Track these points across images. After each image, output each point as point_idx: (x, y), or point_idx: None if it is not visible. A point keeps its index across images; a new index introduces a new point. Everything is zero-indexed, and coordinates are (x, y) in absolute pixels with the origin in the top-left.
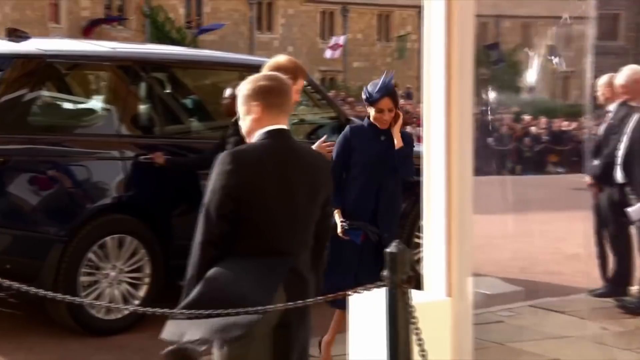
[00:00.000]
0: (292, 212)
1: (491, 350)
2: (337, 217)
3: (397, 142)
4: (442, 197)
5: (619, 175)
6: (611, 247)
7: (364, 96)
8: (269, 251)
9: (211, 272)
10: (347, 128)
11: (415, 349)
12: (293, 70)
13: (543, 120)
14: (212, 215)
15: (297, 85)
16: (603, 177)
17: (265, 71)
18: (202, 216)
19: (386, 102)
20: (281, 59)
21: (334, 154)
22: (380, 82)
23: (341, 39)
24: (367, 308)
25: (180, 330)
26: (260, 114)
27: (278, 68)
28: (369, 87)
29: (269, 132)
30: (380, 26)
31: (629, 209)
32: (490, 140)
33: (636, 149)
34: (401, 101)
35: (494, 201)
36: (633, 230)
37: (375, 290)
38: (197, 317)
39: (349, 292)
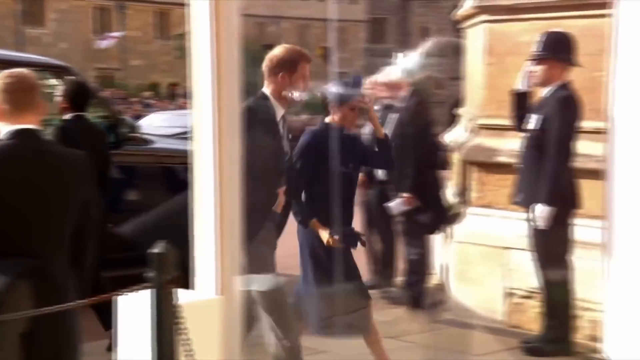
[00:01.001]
0: (39, 215)
1: (264, 347)
2: (319, 229)
3: (379, 132)
4: (212, 196)
5: (380, 173)
6: (379, 241)
7: (332, 97)
8: (12, 254)
9: None
10: (310, 133)
11: (181, 350)
12: (291, 61)
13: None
14: None
15: (300, 71)
16: (371, 175)
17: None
18: None
19: (359, 99)
20: (277, 50)
21: (296, 161)
22: (354, 79)
23: (115, 34)
24: (134, 310)
25: None
26: (3, 113)
27: (274, 59)
28: (336, 88)
29: (14, 132)
30: (158, 24)
31: (389, 204)
32: None
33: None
34: (181, 100)
35: None
36: (397, 225)
37: (142, 291)
38: None
39: (116, 293)
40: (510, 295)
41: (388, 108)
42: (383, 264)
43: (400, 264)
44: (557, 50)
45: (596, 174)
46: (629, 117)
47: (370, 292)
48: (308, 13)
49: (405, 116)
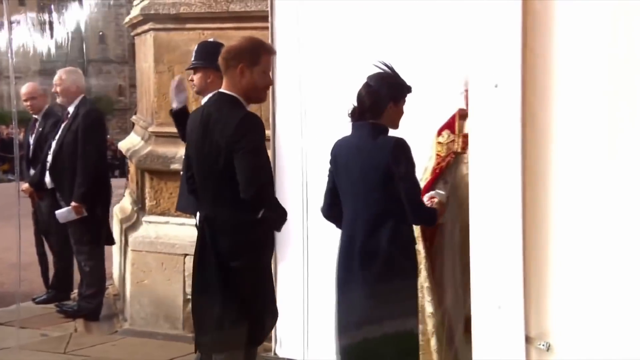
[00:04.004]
0: None
1: None
2: None
3: None
4: None
5: (48, 181)
6: (52, 253)
7: (394, 90)
8: None
9: None
10: (398, 139)
11: None
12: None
13: None
14: None
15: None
16: (40, 184)
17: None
18: None
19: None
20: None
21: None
22: (394, 69)
23: None
24: None
25: None
26: None
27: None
28: (399, 77)
29: None
30: None
31: (57, 212)
32: None
33: (64, 154)
34: None
35: None
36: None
37: None
38: None
39: None
40: (189, 301)
41: (55, 113)
42: (57, 277)
43: (76, 276)
44: (210, 59)
45: None
46: (289, 125)
47: (44, 306)
48: None
49: (76, 124)
